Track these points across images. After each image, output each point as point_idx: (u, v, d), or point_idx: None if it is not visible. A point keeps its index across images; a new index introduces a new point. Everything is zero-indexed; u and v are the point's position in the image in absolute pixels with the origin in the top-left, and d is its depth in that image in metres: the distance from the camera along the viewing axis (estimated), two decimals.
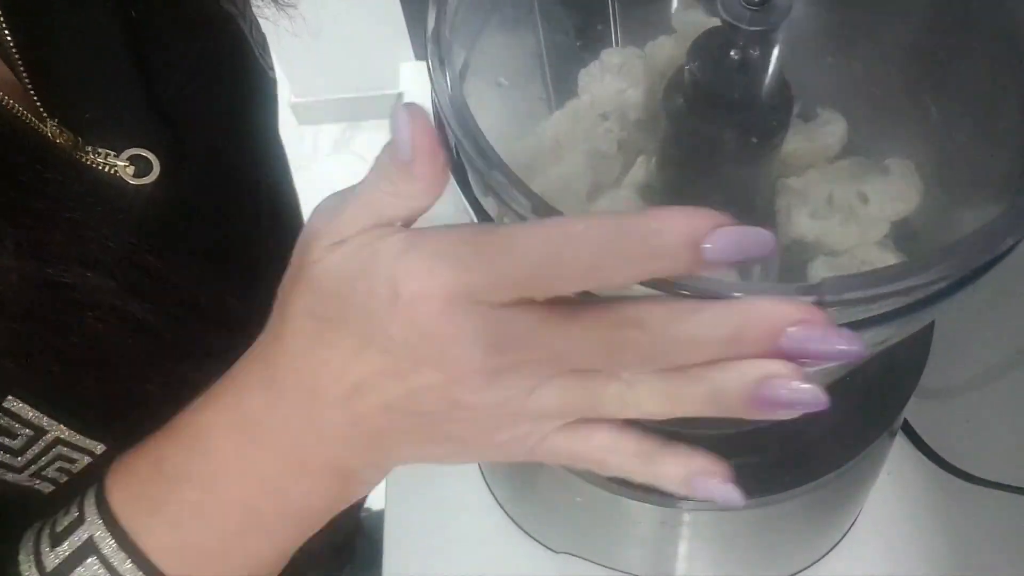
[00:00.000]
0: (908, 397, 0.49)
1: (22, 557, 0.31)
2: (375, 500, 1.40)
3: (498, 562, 0.62)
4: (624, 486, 0.48)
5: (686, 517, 0.51)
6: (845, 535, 0.60)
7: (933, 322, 0.50)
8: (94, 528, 0.30)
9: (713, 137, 0.39)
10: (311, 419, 0.27)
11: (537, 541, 0.61)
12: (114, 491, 0.31)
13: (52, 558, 0.30)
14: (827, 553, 0.60)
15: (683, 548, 0.54)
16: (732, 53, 0.36)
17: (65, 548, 0.30)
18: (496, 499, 0.63)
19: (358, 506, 1.30)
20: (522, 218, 0.27)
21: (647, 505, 0.49)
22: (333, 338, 0.25)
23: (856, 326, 0.30)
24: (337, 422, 0.26)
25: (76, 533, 0.30)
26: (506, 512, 0.63)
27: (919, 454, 0.61)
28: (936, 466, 0.60)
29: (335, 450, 0.27)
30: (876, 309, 0.28)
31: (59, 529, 0.31)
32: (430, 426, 0.26)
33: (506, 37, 0.42)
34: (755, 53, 0.36)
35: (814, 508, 0.53)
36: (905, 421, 0.60)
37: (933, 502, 0.61)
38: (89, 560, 0.30)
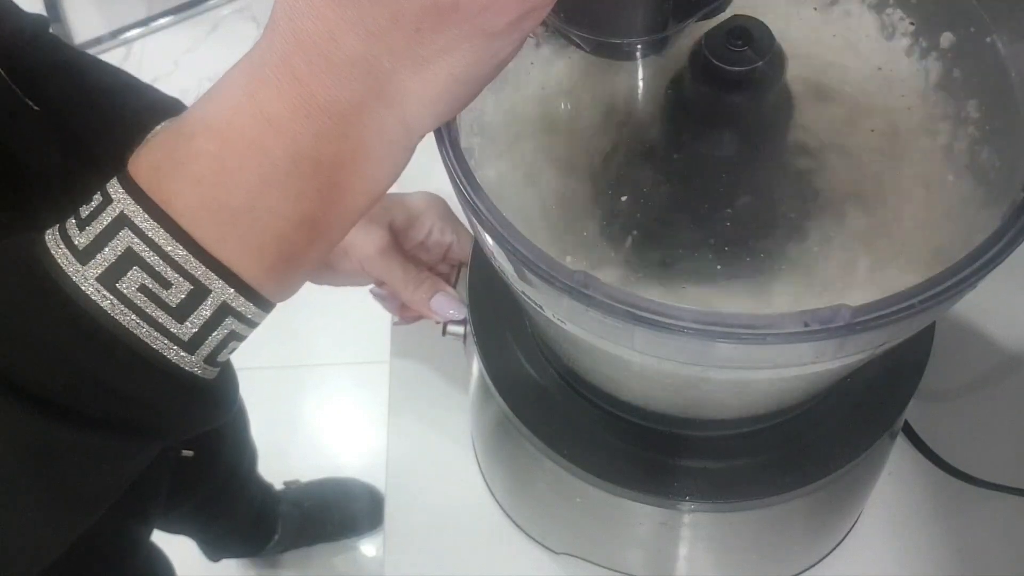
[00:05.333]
0: (909, 399, 0.49)
1: (49, 242, 0.30)
2: (309, 473, 1.41)
3: (498, 563, 0.62)
4: (624, 486, 0.48)
5: (686, 518, 0.51)
6: (846, 537, 0.60)
7: (934, 324, 0.50)
8: (123, 204, 0.30)
9: (711, 139, 0.39)
10: (304, 52, 0.28)
11: (537, 542, 0.62)
12: (137, 167, 0.31)
13: (82, 239, 0.30)
14: (828, 555, 0.60)
15: (683, 549, 0.54)
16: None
17: (95, 227, 0.30)
18: (496, 500, 0.63)
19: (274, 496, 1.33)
20: None
21: (647, 506, 0.49)
22: None
23: (856, 329, 0.30)
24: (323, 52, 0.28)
25: (105, 212, 0.30)
26: (506, 513, 0.63)
27: (920, 456, 0.61)
28: (937, 468, 0.60)
29: (328, 85, 0.29)
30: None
31: (85, 215, 0.31)
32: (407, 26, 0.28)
33: None
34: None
35: (815, 509, 0.53)
36: (906, 423, 0.60)
37: (934, 504, 0.61)
38: (121, 233, 0.30)
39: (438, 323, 0.58)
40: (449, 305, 0.57)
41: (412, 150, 0.32)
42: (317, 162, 0.30)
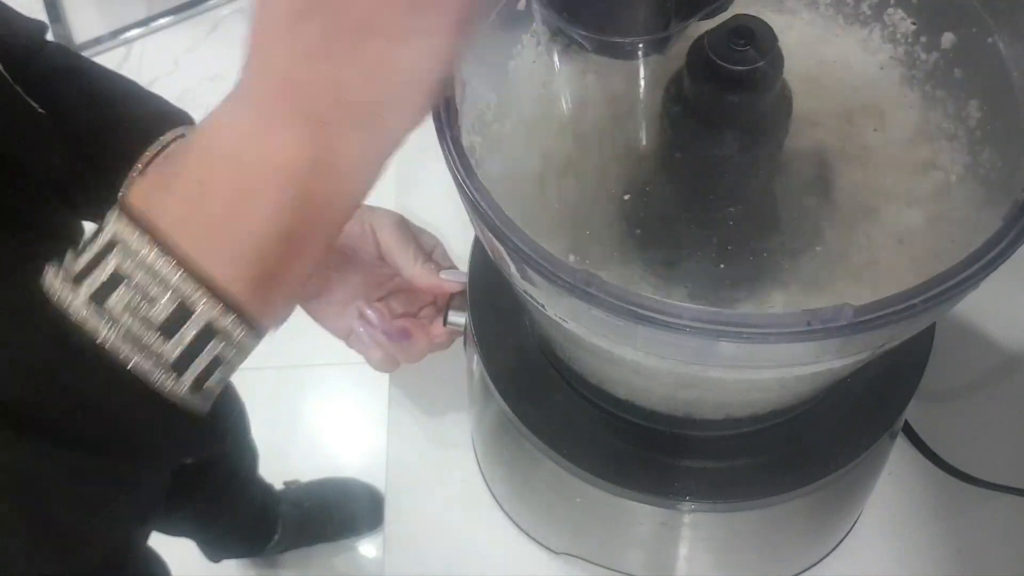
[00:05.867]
0: (909, 399, 0.49)
1: (49, 272, 0.31)
2: (309, 473, 1.41)
3: (498, 562, 0.62)
4: (624, 486, 0.48)
5: (686, 518, 0.51)
6: (846, 537, 0.60)
7: (934, 324, 0.50)
8: (117, 227, 0.31)
9: (712, 138, 0.39)
10: (268, 64, 0.31)
11: (537, 542, 0.61)
12: (133, 193, 0.32)
13: (78, 264, 0.31)
14: (828, 555, 0.60)
15: (683, 549, 0.54)
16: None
17: (92, 249, 0.31)
18: (496, 499, 0.63)
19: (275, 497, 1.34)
20: None
21: (647, 506, 0.49)
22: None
23: (858, 328, 0.30)
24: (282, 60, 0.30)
25: (100, 237, 0.31)
26: (506, 512, 0.63)
27: (920, 456, 0.61)
28: (937, 468, 0.60)
29: (298, 102, 0.30)
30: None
31: (82, 243, 0.32)
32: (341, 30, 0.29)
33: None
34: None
35: (815, 509, 0.53)
36: (906, 423, 0.60)
37: (934, 504, 0.61)
38: (114, 251, 0.31)
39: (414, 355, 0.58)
40: (456, 275, 0.57)
41: (387, 158, 0.32)
42: (293, 176, 0.31)
